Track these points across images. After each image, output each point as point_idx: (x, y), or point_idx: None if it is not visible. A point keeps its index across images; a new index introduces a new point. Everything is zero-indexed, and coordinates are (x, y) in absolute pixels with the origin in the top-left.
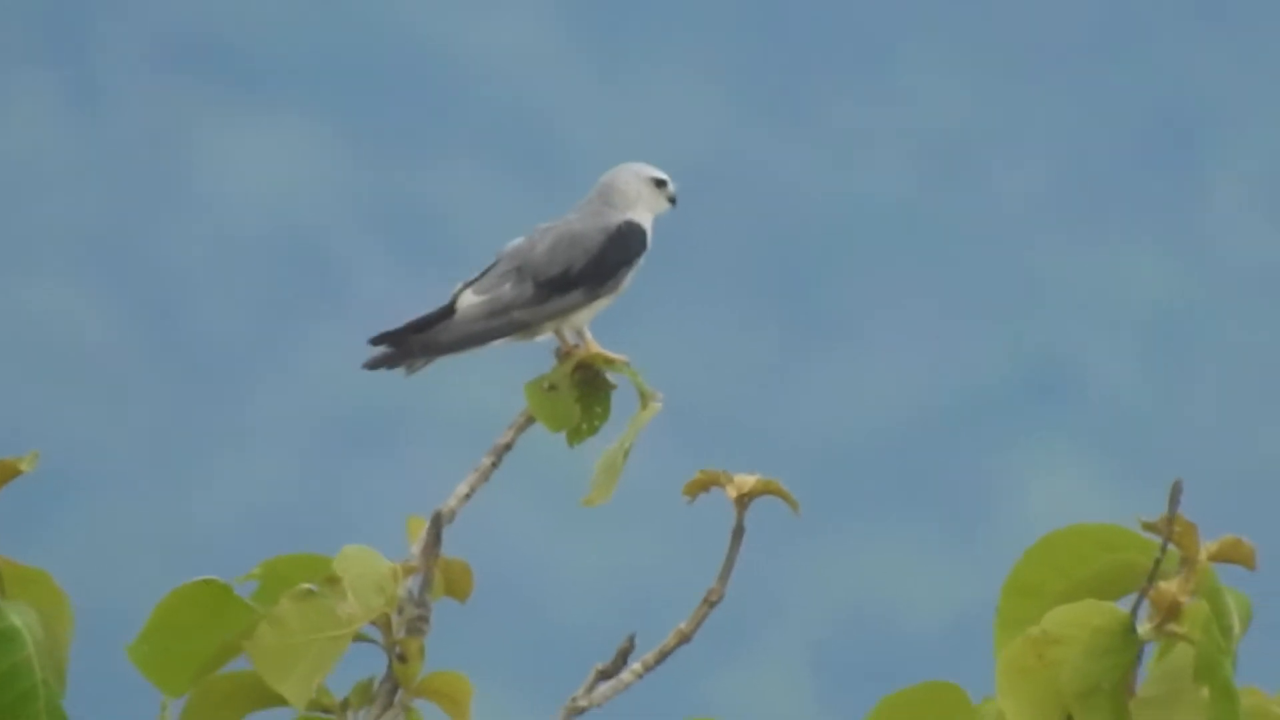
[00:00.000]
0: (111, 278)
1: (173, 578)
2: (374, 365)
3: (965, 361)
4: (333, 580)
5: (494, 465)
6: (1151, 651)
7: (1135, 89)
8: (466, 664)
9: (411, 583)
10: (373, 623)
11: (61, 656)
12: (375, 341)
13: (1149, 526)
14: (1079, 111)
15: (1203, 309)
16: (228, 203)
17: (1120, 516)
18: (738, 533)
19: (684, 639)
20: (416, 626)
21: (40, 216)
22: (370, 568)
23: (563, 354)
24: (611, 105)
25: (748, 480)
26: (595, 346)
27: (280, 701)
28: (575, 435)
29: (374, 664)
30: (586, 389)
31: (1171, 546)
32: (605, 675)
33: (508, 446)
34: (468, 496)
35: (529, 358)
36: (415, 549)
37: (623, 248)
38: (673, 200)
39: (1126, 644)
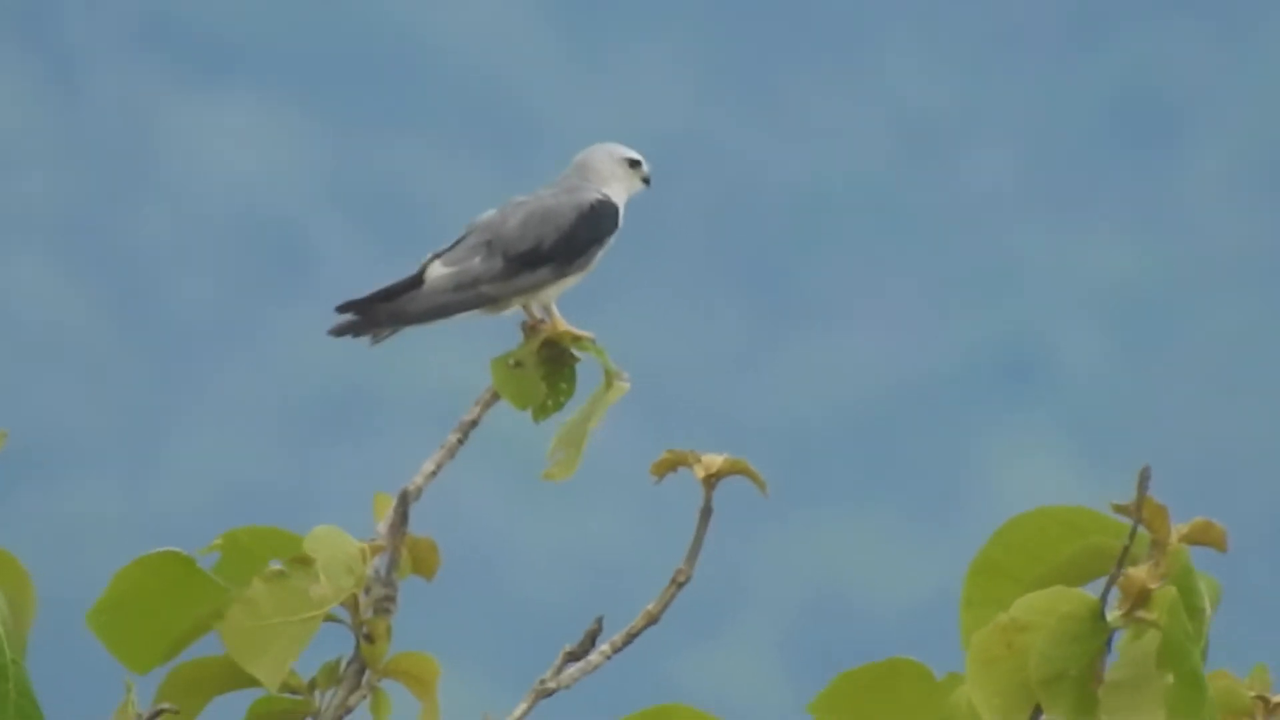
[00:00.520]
0: (81, 257)
1: (137, 556)
2: (339, 332)
3: (936, 344)
4: (304, 561)
5: (460, 442)
6: (1121, 639)
7: (1107, 72)
8: (434, 644)
9: (378, 562)
10: (340, 603)
11: (23, 638)
12: (342, 309)
13: (1119, 509)
14: (1051, 94)
15: (1174, 292)
16: (198, 182)
17: (1091, 499)
18: (705, 513)
19: (652, 620)
20: (383, 607)
21: (11, 196)
22: (341, 548)
23: (529, 330)
24: (582, 84)
25: (715, 460)
26: (562, 323)
27: (250, 684)
28: (541, 412)
29: (341, 645)
30: (552, 366)
31: (1141, 530)
32: (573, 657)
33: (474, 423)
34: (434, 474)
35: (495, 334)
36: (382, 527)
37: (594, 226)
38: (647, 181)
39: (1095, 630)
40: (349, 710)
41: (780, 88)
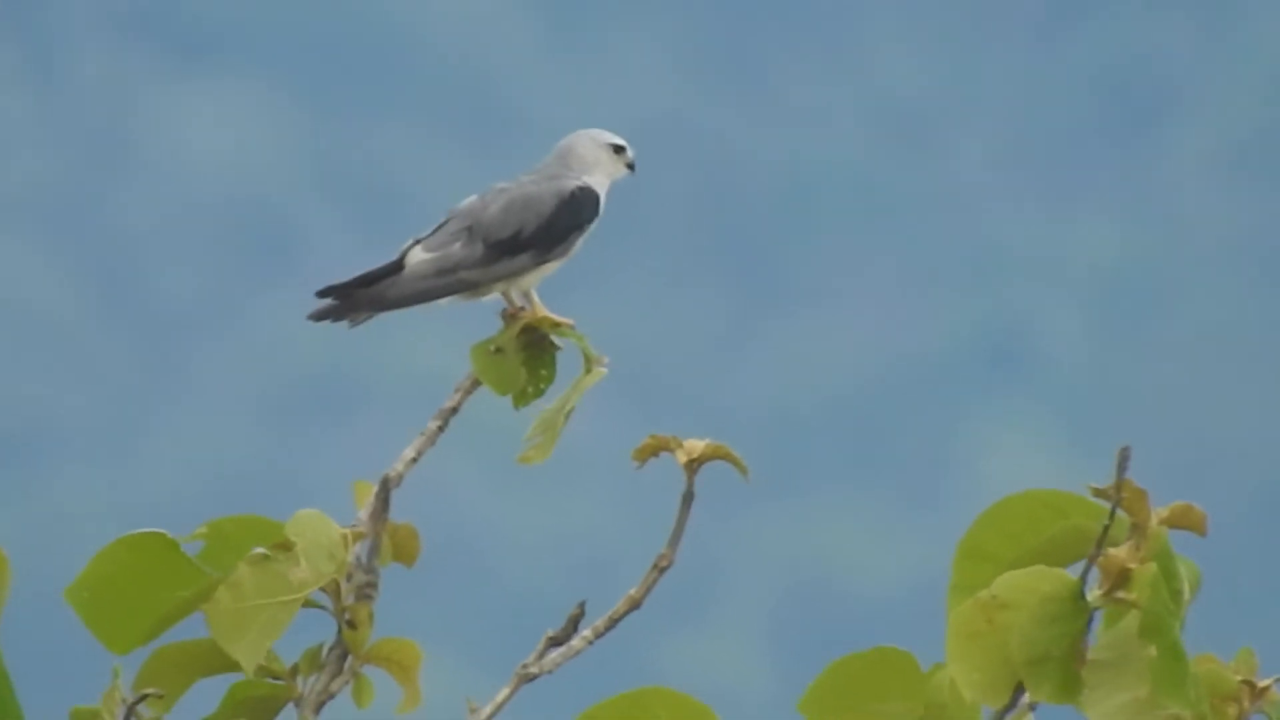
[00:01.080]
0: (64, 241)
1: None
2: (319, 317)
3: (920, 328)
4: (285, 545)
5: (441, 429)
6: (1101, 619)
7: (1089, 56)
8: (416, 630)
9: (360, 548)
10: (322, 589)
11: None
12: (322, 294)
13: (1098, 493)
14: (1034, 78)
15: (1159, 277)
16: (180, 166)
17: (1075, 483)
18: (687, 498)
19: (634, 605)
20: (365, 593)
21: None
22: (323, 533)
23: (509, 316)
24: (562, 69)
25: (697, 445)
26: (542, 310)
27: (231, 668)
28: (521, 398)
29: (324, 631)
30: (532, 352)
31: (1122, 513)
32: (556, 642)
33: (454, 410)
34: (415, 461)
35: (475, 320)
36: (363, 514)
37: (574, 212)
38: (631, 166)
39: (1076, 611)
40: (331, 696)
41: (762, 71)
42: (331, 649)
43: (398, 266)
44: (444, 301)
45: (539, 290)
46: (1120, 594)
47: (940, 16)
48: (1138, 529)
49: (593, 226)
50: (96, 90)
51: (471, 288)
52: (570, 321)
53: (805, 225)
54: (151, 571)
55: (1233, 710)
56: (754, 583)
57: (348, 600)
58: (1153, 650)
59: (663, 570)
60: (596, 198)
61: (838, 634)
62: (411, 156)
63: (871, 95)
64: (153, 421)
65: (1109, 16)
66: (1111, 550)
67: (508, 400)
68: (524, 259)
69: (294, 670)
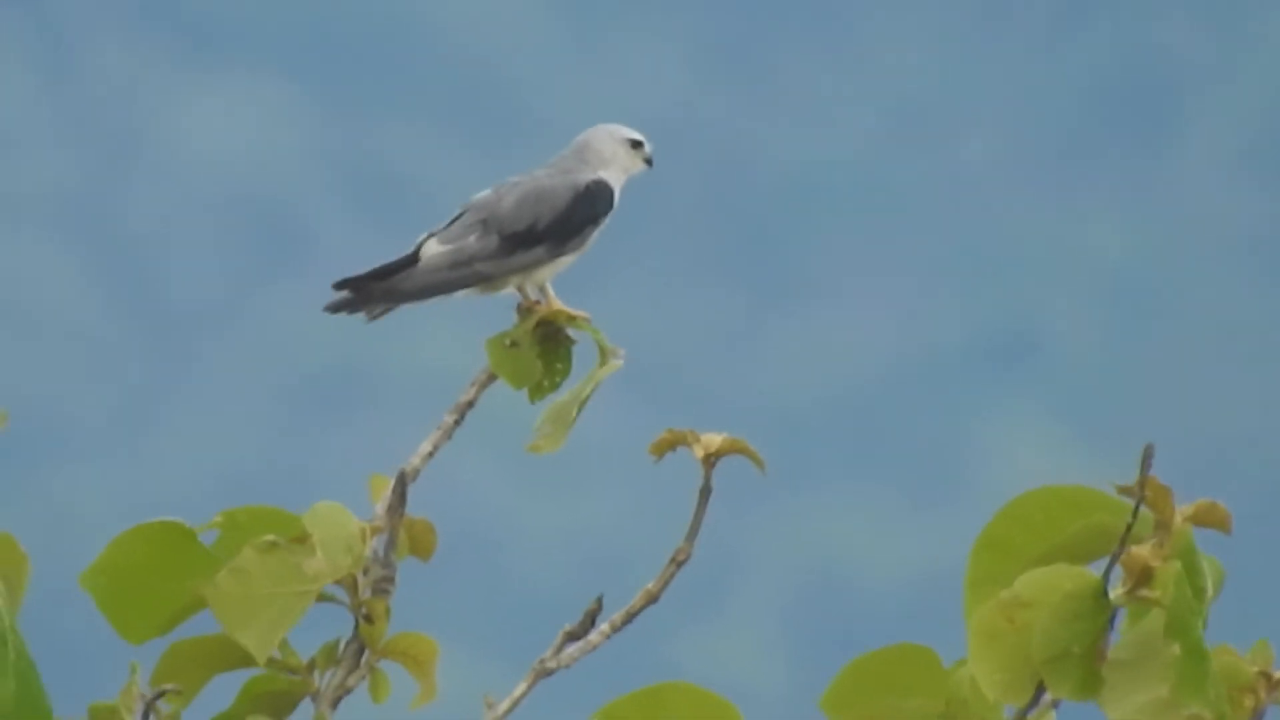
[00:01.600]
0: (75, 237)
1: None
2: (334, 309)
3: (931, 323)
4: (301, 537)
5: (457, 423)
6: (1124, 617)
7: (1099, 51)
8: (432, 625)
9: (376, 543)
10: (338, 583)
11: (15, 609)
12: (338, 286)
13: (1123, 490)
14: (1044, 76)
15: (1167, 274)
16: (191, 163)
17: (1084, 478)
18: (705, 492)
19: (652, 599)
20: (382, 587)
21: (2, 175)
22: (341, 526)
23: (524, 310)
24: (576, 66)
25: (715, 439)
26: (557, 303)
27: (248, 663)
28: (537, 392)
29: (340, 625)
30: (548, 345)
31: (1144, 510)
32: (573, 637)
33: (470, 404)
34: (431, 455)
35: (491, 314)
36: (379, 508)
37: (589, 206)
38: (649, 161)
39: (1098, 609)
40: (348, 690)
41: (772, 67)
42: (348, 644)
43: (413, 259)
44: (459, 295)
45: (554, 284)
46: (1143, 592)
47: (950, 14)
48: (1162, 526)
49: (607, 220)
50: (108, 87)
51: (486, 280)
52: (586, 315)
53: (816, 222)
54: (168, 561)
55: (1249, 701)
56: (768, 577)
57: (364, 595)
58: (1176, 649)
59: (680, 565)
60: (611, 192)
61: (853, 629)
62: (424, 153)
63: (882, 94)
64: (165, 417)
65: (1118, 14)
66: (1134, 548)
67: (523, 394)
68: (539, 252)
69: (310, 665)
